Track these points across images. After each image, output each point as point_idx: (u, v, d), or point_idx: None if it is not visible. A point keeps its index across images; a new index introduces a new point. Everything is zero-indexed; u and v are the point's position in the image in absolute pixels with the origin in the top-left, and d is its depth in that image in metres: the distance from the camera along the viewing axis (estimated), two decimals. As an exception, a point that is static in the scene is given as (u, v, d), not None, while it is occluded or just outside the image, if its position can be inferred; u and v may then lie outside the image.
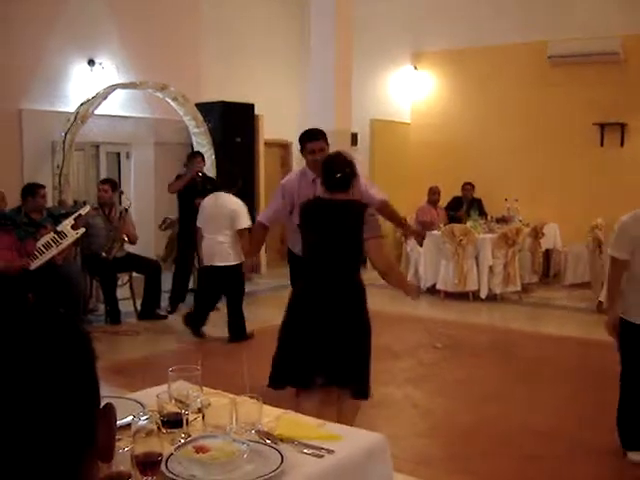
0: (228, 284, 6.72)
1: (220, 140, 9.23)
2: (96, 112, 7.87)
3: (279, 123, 10.43)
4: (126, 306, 7.55)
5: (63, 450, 0.79)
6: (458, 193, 10.21)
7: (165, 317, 7.68)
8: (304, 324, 3.67)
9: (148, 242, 8.50)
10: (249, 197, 8.32)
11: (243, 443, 1.90)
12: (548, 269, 10.20)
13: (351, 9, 8.04)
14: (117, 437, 1.55)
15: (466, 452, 4.27)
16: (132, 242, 7.48)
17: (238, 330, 6.70)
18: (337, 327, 3.62)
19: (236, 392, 2.21)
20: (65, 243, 6.69)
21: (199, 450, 1.88)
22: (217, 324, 6.89)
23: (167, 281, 7.88)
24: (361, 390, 3.70)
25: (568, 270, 9.68)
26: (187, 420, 2.07)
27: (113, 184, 7.56)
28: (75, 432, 0.80)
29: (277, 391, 3.63)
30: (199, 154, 8.34)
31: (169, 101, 8.74)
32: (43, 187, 6.84)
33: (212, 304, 6.90)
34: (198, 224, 6.80)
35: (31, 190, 6.72)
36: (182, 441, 1.97)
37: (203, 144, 9.05)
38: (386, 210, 4.86)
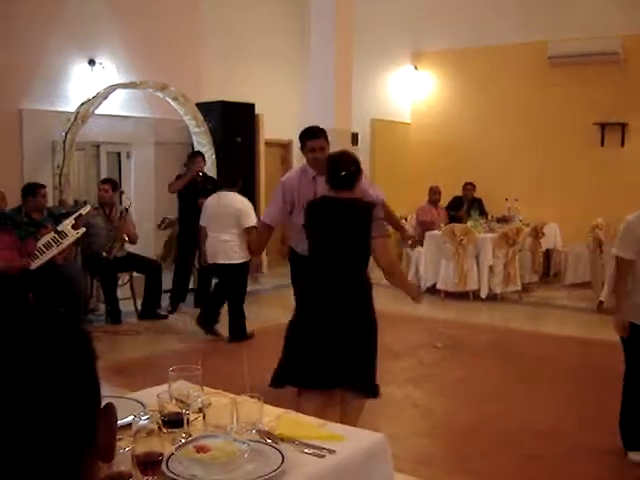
0: (230, 283, 6.72)
1: (220, 140, 9.23)
2: (96, 112, 7.87)
3: (279, 123, 10.43)
4: (126, 306, 7.55)
5: (64, 450, 0.79)
6: (458, 193, 10.21)
7: (165, 317, 7.68)
8: (311, 324, 3.67)
9: (148, 242, 8.49)
10: (249, 196, 8.28)
11: (244, 443, 1.90)
12: (548, 269, 10.20)
13: (351, 9, 8.04)
14: (118, 437, 1.55)
15: (466, 452, 4.27)
16: (132, 242, 7.49)
17: (238, 330, 6.70)
18: (343, 326, 3.62)
19: (237, 392, 2.21)
20: (65, 243, 6.69)
21: (200, 450, 1.88)
22: (218, 324, 6.89)
23: (166, 280, 7.88)
24: (370, 389, 3.71)
25: (568, 270, 9.68)
26: (188, 420, 2.06)
27: (113, 184, 7.57)
28: (76, 432, 0.80)
29: (278, 390, 3.62)
30: (200, 154, 8.35)
31: (169, 101, 8.74)
32: (44, 187, 6.84)
33: (221, 301, 6.87)
34: (202, 223, 6.80)
35: (31, 190, 6.73)
36: (183, 441, 1.97)
37: (203, 144, 9.05)
38: (384, 211, 4.86)
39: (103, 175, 8.62)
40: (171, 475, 1.79)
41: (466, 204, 10.03)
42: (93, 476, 0.85)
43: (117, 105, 8.52)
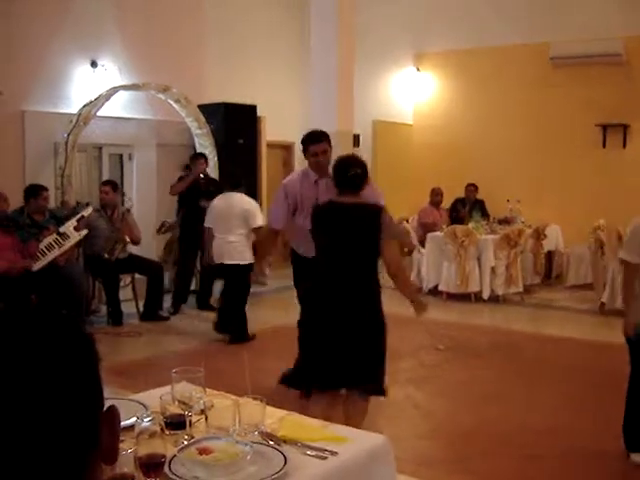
0: (234, 283, 6.72)
1: (222, 141, 9.23)
2: (98, 114, 7.87)
3: (281, 124, 10.43)
4: (128, 307, 7.55)
5: (67, 452, 0.79)
6: (460, 194, 10.20)
7: (167, 318, 7.68)
8: (322, 327, 3.70)
9: (150, 243, 8.50)
10: (251, 198, 8.31)
11: (246, 444, 1.90)
12: (550, 270, 10.19)
13: (352, 12, 8.04)
14: (120, 439, 1.55)
15: (467, 452, 4.27)
16: (135, 243, 7.49)
17: (240, 331, 6.70)
18: (353, 328, 3.65)
19: (239, 393, 2.21)
20: (68, 244, 6.70)
21: (202, 452, 1.88)
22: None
23: (167, 282, 7.88)
24: (378, 388, 3.73)
25: (570, 271, 9.67)
26: (190, 421, 2.06)
27: (114, 185, 7.56)
28: (79, 434, 0.80)
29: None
30: (202, 155, 8.35)
31: (171, 103, 8.75)
32: (46, 189, 6.85)
33: (242, 301, 6.80)
34: (207, 224, 6.80)
35: (34, 191, 6.73)
36: (185, 443, 1.97)
37: (205, 146, 9.05)
38: None
39: (105, 177, 8.62)
40: (173, 477, 1.79)
41: (468, 205, 10.03)
42: (96, 478, 0.85)
43: (119, 107, 8.53)
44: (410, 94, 11.64)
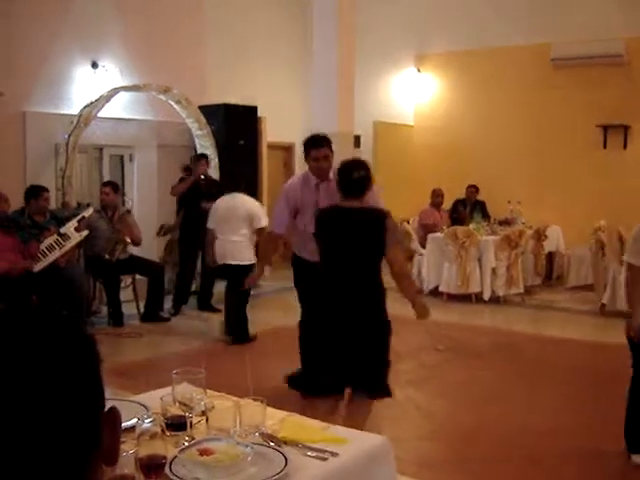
0: (237, 283, 6.71)
1: (223, 142, 9.23)
2: (99, 115, 7.88)
3: (282, 125, 10.44)
4: (129, 308, 7.55)
5: (69, 454, 0.79)
6: (461, 195, 10.21)
7: (168, 319, 7.67)
8: (325, 331, 3.71)
9: (151, 244, 8.50)
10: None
11: (247, 446, 1.90)
12: (551, 271, 10.19)
13: (353, 13, 8.05)
14: (121, 440, 1.55)
15: (468, 454, 4.27)
16: (136, 244, 7.49)
17: (241, 332, 6.69)
18: (357, 330, 3.67)
19: (240, 394, 2.21)
20: (68, 245, 6.70)
21: (203, 453, 1.88)
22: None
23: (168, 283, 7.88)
24: (383, 389, 3.74)
25: (571, 272, 9.67)
26: (191, 423, 2.06)
27: (115, 186, 7.56)
28: (80, 435, 0.80)
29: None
30: (204, 156, 8.35)
31: (172, 104, 8.75)
32: (47, 190, 6.84)
33: (243, 302, 6.82)
34: (210, 225, 6.79)
35: (34, 192, 6.73)
36: (186, 444, 1.97)
37: (206, 146, 9.05)
38: None
39: (106, 178, 8.62)
40: (174, 478, 1.79)
41: (469, 206, 10.03)
42: (97, 479, 0.85)
43: (120, 108, 8.53)
44: (411, 95, 11.64)
